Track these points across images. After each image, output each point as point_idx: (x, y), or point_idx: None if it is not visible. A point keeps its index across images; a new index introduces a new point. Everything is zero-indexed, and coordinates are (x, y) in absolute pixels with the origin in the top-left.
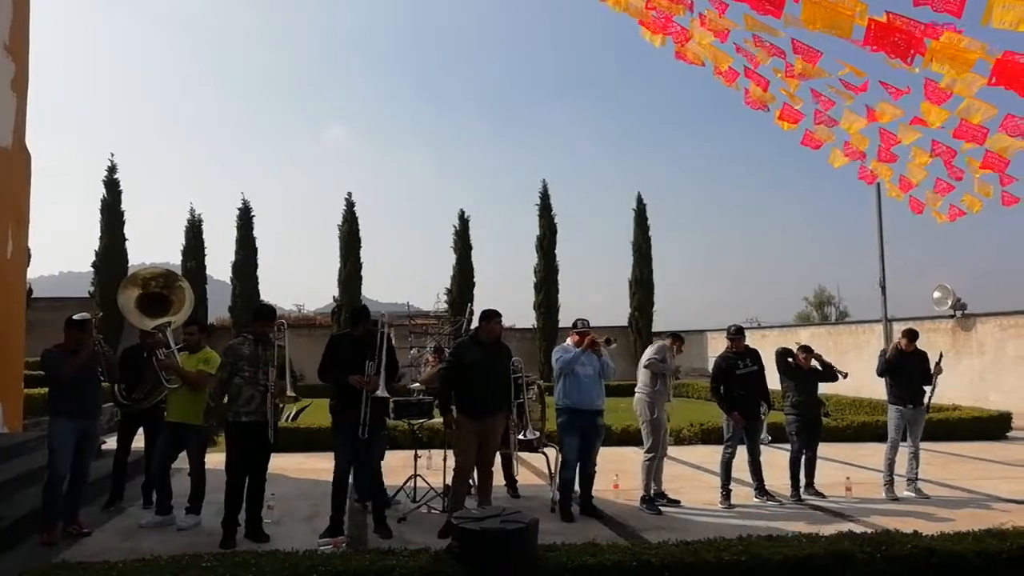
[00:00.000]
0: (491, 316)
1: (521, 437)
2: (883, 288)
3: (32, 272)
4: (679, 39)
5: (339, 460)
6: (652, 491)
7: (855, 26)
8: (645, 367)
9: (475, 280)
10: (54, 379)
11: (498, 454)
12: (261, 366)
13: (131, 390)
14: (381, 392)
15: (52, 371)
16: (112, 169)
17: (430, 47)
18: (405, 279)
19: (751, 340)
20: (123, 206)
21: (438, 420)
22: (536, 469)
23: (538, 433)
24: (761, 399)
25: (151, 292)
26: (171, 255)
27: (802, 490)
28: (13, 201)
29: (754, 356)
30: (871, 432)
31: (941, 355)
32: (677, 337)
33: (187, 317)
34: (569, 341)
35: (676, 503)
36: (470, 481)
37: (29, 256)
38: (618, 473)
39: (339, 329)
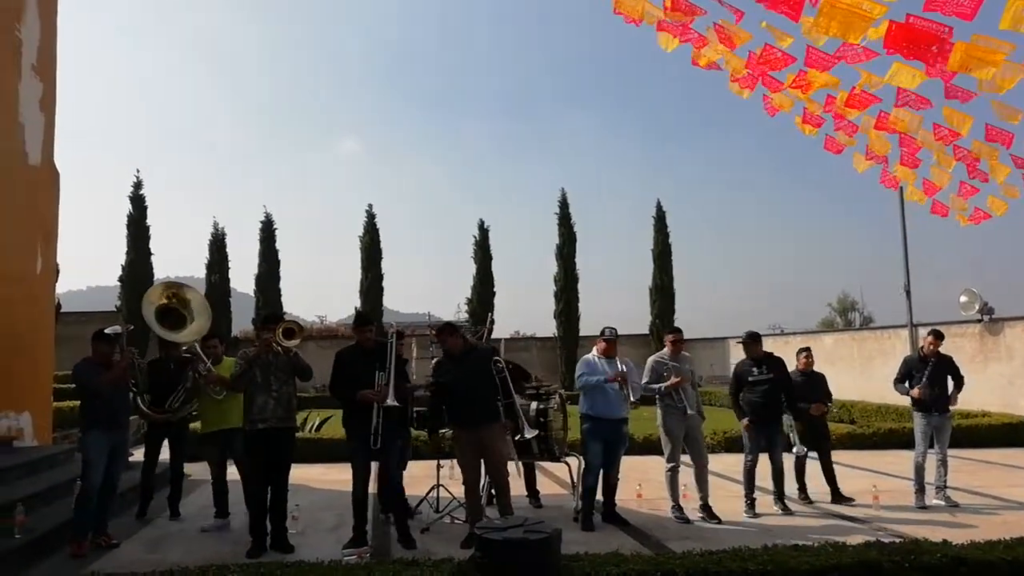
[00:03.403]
0: (443, 331)
1: (517, 438)
2: (908, 293)
3: (61, 287)
4: (696, 44)
5: (356, 472)
6: (700, 501)
7: (871, 30)
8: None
9: (495, 289)
10: (87, 392)
11: (522, 464)
12: (273, 372)
13: (159, 401)
14: (391, 401)
15: (86, 384)
16: (138, 185)
17: (442, 56)
18: (425, 289)
19: (774, 347)
20: (148, 221)
21: None
22: (558, 479)
23: (536, 431)
24: (781, 407)
25: (167, 305)
26: (196, 269)
27: (829, 499)
28: (42, 217)
29: (773, 364)
30: (898, 439)
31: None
32: (671, 332)
33: (208, 325)
34: (596, 350)
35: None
36: (491, 492)
37: (58, 271)
38: (641, 482)
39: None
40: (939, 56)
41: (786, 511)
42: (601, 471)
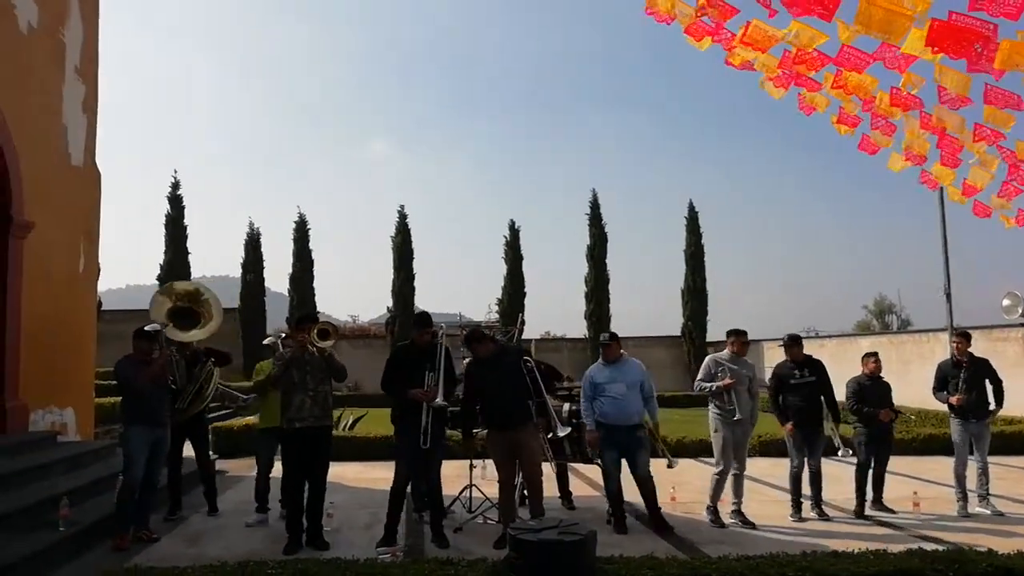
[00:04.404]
0: (471, 339)
1: (550, 436)
2: (948, 296)
3: (100, 285)
4: (728, 45)
5: (400, 469)
6: (733, 507)
7: (912, 29)
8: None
9: (526, 290)
10: (128, 389)
11: (555, 465)
12: (309, 371)
13: (172, 401)
14: (440, 401)
15: (127, 381)
16: (176, 185)
17: (472, 58)
18: (456, 289)
19: (808, 350)
20: (186, 220)
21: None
22: (591, 481)
23: (568, 429)
24: (822, 411)
25: (180, 307)
26: (231, 268)
27: (867, 505)
28: (84, 218)
29: (815, 367)
30: (938, 445)
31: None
32: (734, 334)
33: (219, 325)
34: (601, 356)
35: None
36: (523, 493)
37: (99, 270)
38: (675, 485)
39: (393, 339)
40: (983, 55)
41: (823, 517)
42: (632, 476)
